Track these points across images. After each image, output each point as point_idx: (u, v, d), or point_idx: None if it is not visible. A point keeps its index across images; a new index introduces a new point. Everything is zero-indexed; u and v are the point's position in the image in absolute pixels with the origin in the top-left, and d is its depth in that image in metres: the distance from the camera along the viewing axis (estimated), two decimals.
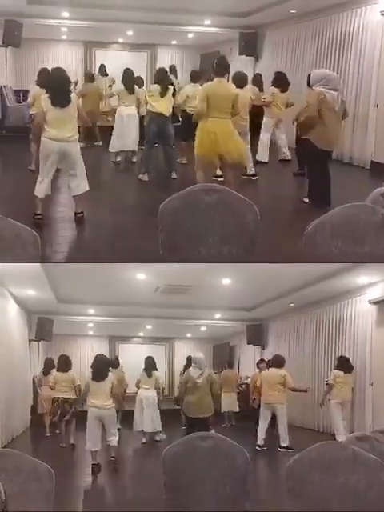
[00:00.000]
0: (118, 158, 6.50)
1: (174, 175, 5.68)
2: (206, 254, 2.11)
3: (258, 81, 7.69)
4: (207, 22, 8.50)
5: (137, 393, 5.39)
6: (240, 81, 5.00)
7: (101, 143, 7.39)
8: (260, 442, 4.68)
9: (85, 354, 8.25)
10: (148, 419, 5.14)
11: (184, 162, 6.15)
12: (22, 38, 8.19)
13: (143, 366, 5.34)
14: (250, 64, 8.96)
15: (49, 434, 5.48)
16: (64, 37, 10.39)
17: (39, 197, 3.92)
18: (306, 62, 7.50)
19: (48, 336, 6.70)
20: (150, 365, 5.28)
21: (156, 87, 5.47)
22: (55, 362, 5.42)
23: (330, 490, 1.78)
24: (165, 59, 10.90)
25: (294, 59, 7.80)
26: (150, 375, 5.22)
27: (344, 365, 4.71)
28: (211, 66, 4.29)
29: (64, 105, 3.74)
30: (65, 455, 4.61)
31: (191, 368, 4.43)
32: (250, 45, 8.72)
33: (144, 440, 5.21)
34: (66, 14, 8.17)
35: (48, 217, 4.07)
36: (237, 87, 4.69)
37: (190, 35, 9.67)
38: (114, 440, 4.04)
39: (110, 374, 4.14)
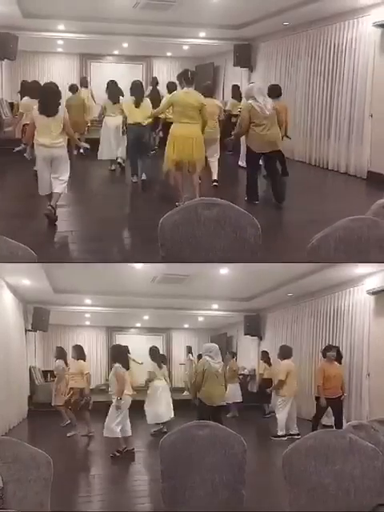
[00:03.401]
0: (113, 167, 6.85)
1: (143, 176, 5.94)
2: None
3: (236, 92, 7.76)
4: (202, 34, 8.54)
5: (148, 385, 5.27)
6: (206, 91, 5.50)
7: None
8: (283, 431, 4.77)
9: (82, 344, 8.24)
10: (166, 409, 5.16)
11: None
12: (17, 50, 8.17)
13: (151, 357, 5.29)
14: (244, 75, 9.04)
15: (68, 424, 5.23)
16: (59, 49, 10.35)
17: (43, 194, 4.42)
18: (300, 72, 7.54)
19: (44, 326, 6.69)
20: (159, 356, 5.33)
21: (131, 98, 5.76)
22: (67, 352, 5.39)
23: (327, 477, 1.79)
24: (160, 71, 10.94)
25: (288, 70, 7.86)
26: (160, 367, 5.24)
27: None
28: (183, 77, 4.72)
29: (50, 114, 4.15)
30: (66, 446, 4.62)
31: (207, 357, 4.39)
32: (245, 56, 8.83)
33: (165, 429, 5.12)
34: (61, 26, 8.17)
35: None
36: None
37: (185, 47, 9.69)
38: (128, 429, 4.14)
39: None
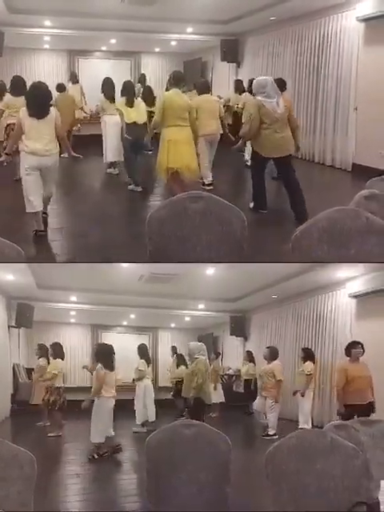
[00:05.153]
0: (117, 171, 6.46)
1: (131, 187, 5.61)
2: (194, 262, 2.13)
3: (239, 87, 7.81)
4: (189, 29, 8.58)
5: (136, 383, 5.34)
6: (202, 87, 5.39)
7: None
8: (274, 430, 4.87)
9: (67, 342, 8.16)
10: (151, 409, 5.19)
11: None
12: (3, 47, 8.10)
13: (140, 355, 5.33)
14: (232, 70, 9.12)
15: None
16: (47, 46, 10.22)
17: (32, 212, 3.84)
18: (287, 67, 7.66)
19: (28, 323, 6.61)
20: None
21: (123, 99, 5.53)
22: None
23: (308, 476, 1.83)
24: (148, 67, 10.91)
25: (275, 65, 7.97)
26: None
27: (312, 357, 4.94)
28: (169, 78, 4.65)
29: (40, 116, 3.71)
30: (49, 445, 4.59)
31: (201, 357, 4.37)
32: (232, 51, 8.90)
33: (146, 429, 5.15)
34: (48, 22, 8.08)
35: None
36: (199, 93, 5.27)
37: (173, 43, 9.70)
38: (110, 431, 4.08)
39: None
